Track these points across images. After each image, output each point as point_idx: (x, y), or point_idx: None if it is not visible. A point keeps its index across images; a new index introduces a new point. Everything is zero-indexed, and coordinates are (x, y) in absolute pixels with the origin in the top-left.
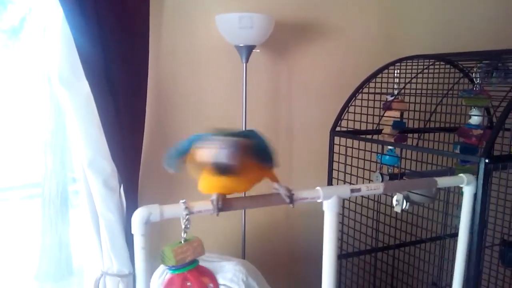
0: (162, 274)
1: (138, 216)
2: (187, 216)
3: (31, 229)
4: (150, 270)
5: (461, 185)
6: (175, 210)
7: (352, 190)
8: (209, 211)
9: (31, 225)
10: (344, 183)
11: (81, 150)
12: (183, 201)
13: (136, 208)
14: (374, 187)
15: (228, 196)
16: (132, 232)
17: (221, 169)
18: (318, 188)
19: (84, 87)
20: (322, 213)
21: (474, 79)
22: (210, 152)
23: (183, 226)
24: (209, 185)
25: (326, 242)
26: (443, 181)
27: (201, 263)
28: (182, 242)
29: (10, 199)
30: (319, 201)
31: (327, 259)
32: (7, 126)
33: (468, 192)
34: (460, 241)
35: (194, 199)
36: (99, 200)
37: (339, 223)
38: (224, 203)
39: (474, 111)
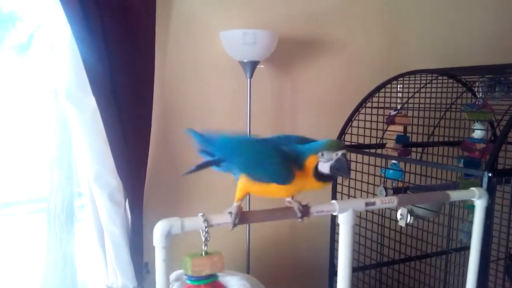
0: (171, 283)
1: (160, 229)
2: (207, 229)
3: (36, 244)
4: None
5: (473, 199)
6: (195, 223)
7: (367, 204)
8: (228, 223)
9: (36, 239)
10: (348, 197)
11: (87, 165)
12: (201, 214)
13: (141, 222)
14: (388, 201)
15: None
16: (154, 244)
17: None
18: (333, 201)
19: (90, 103)
20: (327, 227)
21: (476, 93)
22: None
23: (203, 239)
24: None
25: (341, 254)
26: (456, 195)
27: None
28: (203, 254)
29: (16, 214)
30: (334, 214)
31: (342, 271)
32: (14, 141)
33: (479, 206)
34: (472, 255)
35: (199, 212)
36: (104, 215)
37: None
38: (241, 216)
39: (477, 125)
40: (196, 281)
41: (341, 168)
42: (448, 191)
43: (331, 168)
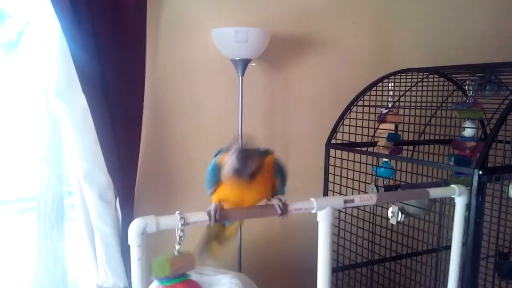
0: None
1: (135, 227)
2: (183, 227)
3: (26, 243)
4: (146, 282)
5: (453, 196)
6: (171, 221)
7: (346, 201)
8: (205, 222)
9: (26, 238)
10: (340, 196)
11: (77, 163)
12: (178, 212)
13: (131, 221)
14: (367, 198)
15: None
16: (129, 243)
17: (241, 172)
18: (312, 199)
19: (80, 100)
20: (317, 225)
21: (467, 91)
22: (230, 158)
23: (177, 238)
24: (225, 193)
25: (321, 253)
26: (435, 192)
27: (197, 277)
28: (176, 253)
29: (6, 213)
30: (313, 211)
31: (322, 269)
32: (3, 139)
33: (460, 203)
34: (454, 252)
35: (190, 211)
36: (94, 213)
37: (335, 235)
38: (220, 214)
39: (467, 124)
40: (170, 281)
41: (236, 158)
42: (428, 188)
43: (233, 160)
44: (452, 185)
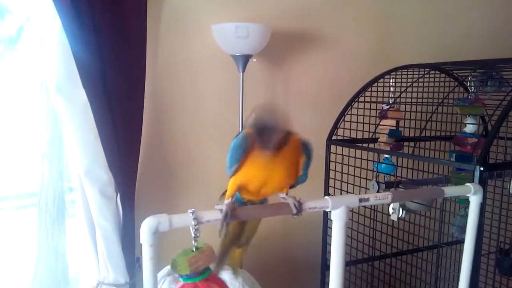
0: (160, 280)
1: (147, 226)
2: (196, 227)
3: (27, 239)
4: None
5: (468, 195)
6: (184, 219)
7: (361, 200)
8: (218, 220)
9: (27, 234)
10: (341, 192)
11: (77, 159)
12: (191, 211)
13: (132, 217)
14: (382, 197)
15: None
16: (141, 242)
17: (267, 135)
18: (326, 197)
19: (81, 96)
20: (319, 222)
21: (469, 87)
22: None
23: (192, 235)
24: (248, 173)
25: (334, 251)
26: (450, 191)
27: None
28: (194, 250)
29: (6, 209)
30: (327, 210)
31: (335, 267)
32: (4, 135)
33: (474, 202)
34: (466, 250)
35: (191, 207)
36: (95, 209)
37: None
38: (231, 214)
39: (469, 120)
40: (192, 279)
41: (256, 121)
42: (443, 186)
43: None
44: (468, 184)
